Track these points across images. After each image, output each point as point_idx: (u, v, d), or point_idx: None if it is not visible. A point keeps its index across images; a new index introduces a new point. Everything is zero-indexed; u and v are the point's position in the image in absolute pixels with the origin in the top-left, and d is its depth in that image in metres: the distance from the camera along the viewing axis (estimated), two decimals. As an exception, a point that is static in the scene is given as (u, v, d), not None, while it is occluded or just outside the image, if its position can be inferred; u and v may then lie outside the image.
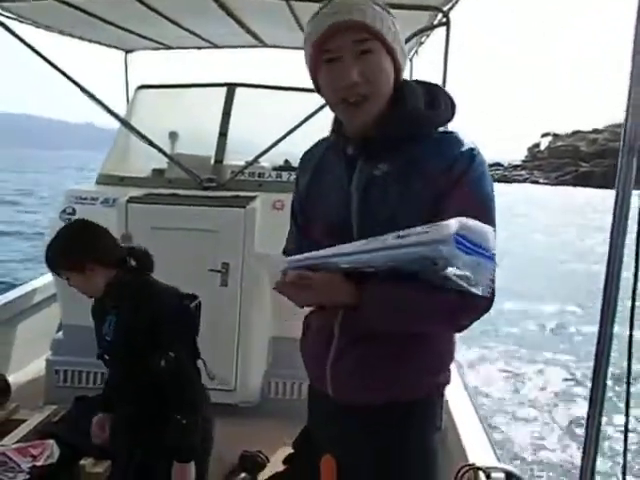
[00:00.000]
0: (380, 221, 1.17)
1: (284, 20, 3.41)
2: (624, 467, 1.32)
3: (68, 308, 3.10)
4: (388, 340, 1.22)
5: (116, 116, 3.42)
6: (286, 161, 3.71)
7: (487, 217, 1.11)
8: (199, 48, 4.43)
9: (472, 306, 1.11)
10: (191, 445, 1.89)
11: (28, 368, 3.51)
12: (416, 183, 1.16)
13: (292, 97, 3.61)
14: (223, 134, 3.47)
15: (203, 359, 2.05)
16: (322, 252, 1.13)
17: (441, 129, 1.21)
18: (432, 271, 0.98)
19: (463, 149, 1.16)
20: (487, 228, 1.02)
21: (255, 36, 4.01)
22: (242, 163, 3.43)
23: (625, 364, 1.26)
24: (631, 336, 1.27)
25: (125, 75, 4.62)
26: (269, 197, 3.15)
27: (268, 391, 3.12)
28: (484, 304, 1.12)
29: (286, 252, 1.42)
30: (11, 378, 3.16)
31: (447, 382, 1.33)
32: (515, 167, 61.93)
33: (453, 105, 1.23)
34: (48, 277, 3.57)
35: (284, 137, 3.18)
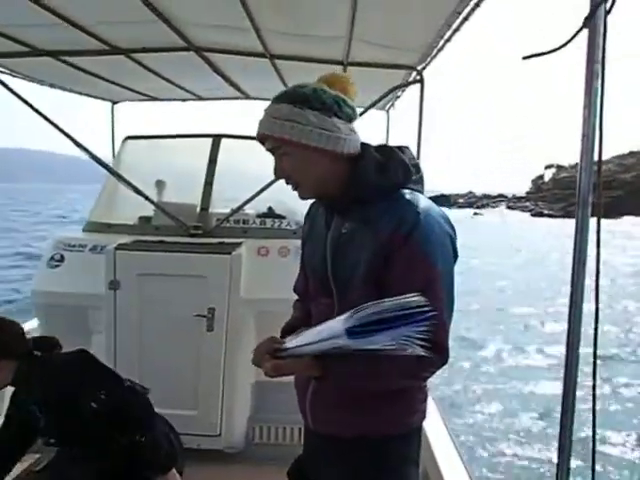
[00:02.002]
0: (346, 270, 1.33)
1: (267, 75, 3.58)
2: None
3: None
4: None
5: (104, 165, 3.50)
6: (270, 208, 3.81)
7: (430, 274, 1.23)
8: (184, 100, 4.62)
9: (428, 363, 1.21)
10: (161, 455, 1.97)
11: None
12: (370, 241, 1.28)
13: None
14: (209, 183, 3.56)
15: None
16: (288, 343, 1.27)
17: (405, 191, 1.31)
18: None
19: (410, 212, 1.26)
20: (401, 301, 1.02)
21: (239, 89, 4.18)
22: (227, 211, 3.53)
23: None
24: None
25: (111, 124, 4.75)
26: (254, 243, 3.23)
27: (252, 436, 3.13)
28: (439, 359, 1.24)
29: (295, 289, 1.65)
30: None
31: (421, 422, 1.45)
32: (519, 199, 62.04)
33: (405, 169, 1.33)
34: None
35: (268, 186, 3.29)
